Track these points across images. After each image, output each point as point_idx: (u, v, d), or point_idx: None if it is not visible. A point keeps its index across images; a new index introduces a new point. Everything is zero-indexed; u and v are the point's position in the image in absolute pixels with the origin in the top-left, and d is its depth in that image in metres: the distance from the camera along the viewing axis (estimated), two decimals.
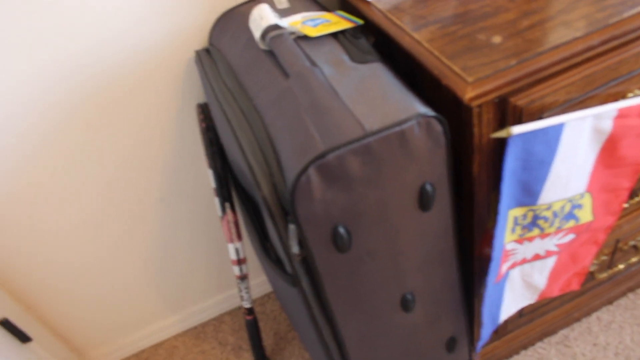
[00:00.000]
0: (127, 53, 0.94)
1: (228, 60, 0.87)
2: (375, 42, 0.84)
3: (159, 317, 1.40)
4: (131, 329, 1.39)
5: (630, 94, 0.79)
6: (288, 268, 0.76)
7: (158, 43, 0.95)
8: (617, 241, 1.07)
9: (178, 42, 0.96)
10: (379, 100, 0.67)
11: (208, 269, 1.35)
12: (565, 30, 0.70)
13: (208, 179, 1.18)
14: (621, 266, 1.11)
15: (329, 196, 0.65)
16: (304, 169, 0.62)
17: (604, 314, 1.24)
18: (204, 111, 0.93)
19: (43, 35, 0.87)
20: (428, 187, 0.71)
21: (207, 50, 0.94)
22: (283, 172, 0.66)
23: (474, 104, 0.66)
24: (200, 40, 0.98)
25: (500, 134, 0.70)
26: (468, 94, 0.65)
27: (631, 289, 1.26)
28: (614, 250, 1.09)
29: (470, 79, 0.66)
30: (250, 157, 0.69)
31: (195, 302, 1.42)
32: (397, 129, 0.64)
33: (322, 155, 0.62)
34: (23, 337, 1.15)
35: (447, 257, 0.84)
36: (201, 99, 1.04)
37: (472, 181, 0.78)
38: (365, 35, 0.82)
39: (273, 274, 0.84)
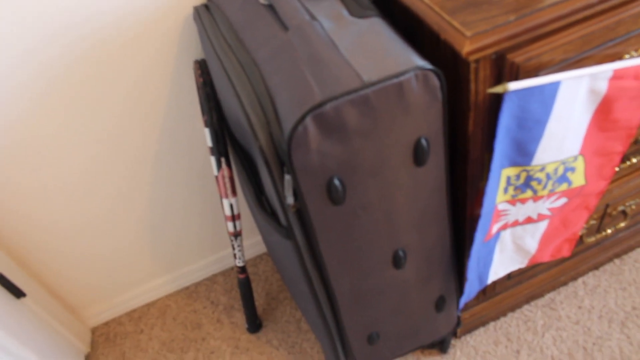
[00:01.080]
0: (126, 8, 0.93)
1: (227, 16, 0.86)
2: (373, 0, 0.84)
3: (152, 277, 1.41)
4: (124, 287, 1.40)
5: (627, 55, 0.79)
6: (282, 220, 0.77)
7: None
8: (607, 206, 1.09)
9: None
10: (377, 54, 0.67)
11: (202, 229, 1.36)
12: None
13: (203, 138, 1.18)
14: (609, 231, 1.13)
15: (325, 147, 0.66)
16: (301, 119, 0.62)
17: (590, 278, 1.27)
18: (202, 67, 0.93)
19: None
20: (423, 142, 0.72)
21: (205, 7, 0.93)
22: (280, 122, 0.67)
23: (472, 58, 0.66)
24: None
25: (497, 89, 0.70)
26: (466, 48, 0.65)
27: (617, 255, 1.28)
28: (603, 215, 1.11)
29: (469, 33, 0.66)
30: (248, 108, 0.69)
31: (188, 262, 1.43)
32: (395, 80, 0.64)
33: (320, 105, 0.62)
34: (17, 293, 1.16)
35: (440, 215, 0.85)
36: (198, 55, 1.04)
37: (466, 139, 0.79)
38: None
39: (267, 228, 0.85)
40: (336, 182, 0.70)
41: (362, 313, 0.95)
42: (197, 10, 0.93)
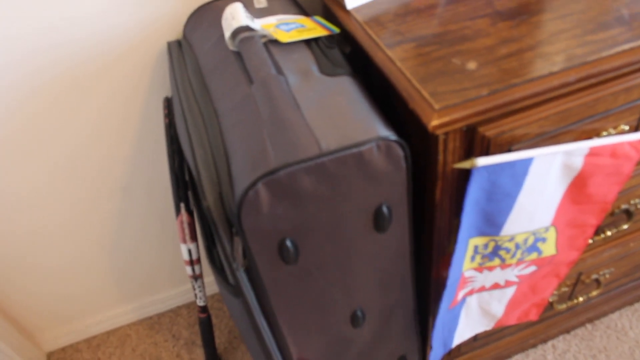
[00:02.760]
0: (98, 36, 0.90)
1: (197, 57, 0.83)
2: (352, 52, 0.81)
3: (115, 304, 1.37)
4: (85, 313, 1.36)
5: (604, 132, 0.77)
6: (230, 279, 0.73)
7: (131, 29, 0.91)
8: (580, 274, 1.06)
9: (152, 30, 0.92)
10: (340, 118, 0.64)
11: (168, 260, 1.32)
12: (543, 63, 0.68)
13: None
14: (581, 299, 1.10)
15: (277, 211, 0.62)
16: (252, 184, 0.59)
17: (560, 342, 1.23)
18: (169, 106, 0.89)
19: (10, 8, 0.82)
20: (384, 209, 0.69)
21: (178, 43, 0.90)
22: (232, 183, 0.63)
23: (439, 132, 0.63)
24: (175, 31, 0.94)
25: (464, 164, 0.67)
26: (433, 122, 0.62)
27: (590, 320, 1.25)
28: (576, 283, 1.08)
29: (437, 106, 0.63)
30: (200, 163, 0.66)
31: (152, 292, 1.39)
32: (355, 150, 0.61)
33: (273, 172, 0.59)
34: None
35: (402, 278, 0.82)
36: (170, 92, 1.01)
37: (434, 207, 0.75)
38: (340, 44, 0.78)
39: (219, 281, 0.81)
40: (288, 243, 0.66)
41: None
42: (169, 46, 0.90)
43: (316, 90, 0.68)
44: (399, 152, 0.64)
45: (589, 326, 1.25)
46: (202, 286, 1.09)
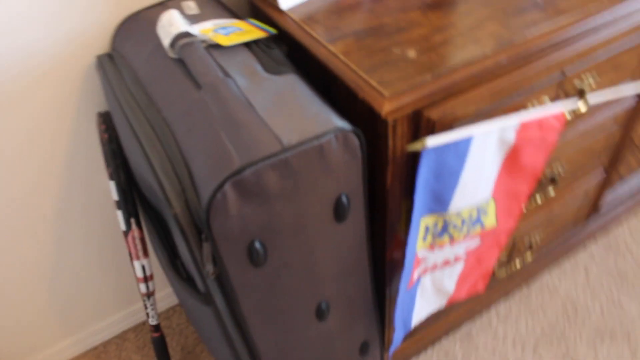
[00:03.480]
0: (17, 53, 0.85)
1: (133, 68, 0.81)
2: (288, 52, 0.83)
3: (55, 339, 1.29)
4: (22, 354, 1.27)
5: (529, 105, 0.83)
6: (200, 286, 0.72)
7: (54, 44, 0.86)
8: (515, 240, 1.14)
9: (77, 45, 0.88)
10: (296, 114, 0.65)
11: (107, 284, 1.27)
12: (476, 47, 0.73)
13: (108, 191, 1.10)
14: (518, 265, 1.18)
15: (245, 212, 0.63)
16: (220, 186, 0.59)
17: (502, 306, 1.32)
18: (106, 121, 0.86)
19: None
20: (344, 199, 0.71)
21: (109, 56, 0.87)
22: (197, 188, 0.63)
23: (391, 117, 0.66)
24: (102, 44, 0.91)
25: (415, 146, 0.71)
26: (385, 108, 0.65)
27: (525, 280, 1.35)
28: (512, 249, 1.16)
29: (387, 93, 0.66)
30: (160, 173, 0.65)
31: (94, 321, 1.32)
32: (315, 143, 0.62)
33: (239, 171, 0.59)
34: None
35: (361, 265, 0.85)
36: (102, 107, 0.97)
37: (385, 191, 0.79)
38: (278, 44, 0.80)
39: (183, 293, 0.80)
40: (257, 245, 0.67)
41: None
42: (99, 59, 0.87)
43: (266, 89, 0.69)
44: (355, 141, 0.66)
45: (525, 289, 1.35)
46: (154, 304, 1.06)
